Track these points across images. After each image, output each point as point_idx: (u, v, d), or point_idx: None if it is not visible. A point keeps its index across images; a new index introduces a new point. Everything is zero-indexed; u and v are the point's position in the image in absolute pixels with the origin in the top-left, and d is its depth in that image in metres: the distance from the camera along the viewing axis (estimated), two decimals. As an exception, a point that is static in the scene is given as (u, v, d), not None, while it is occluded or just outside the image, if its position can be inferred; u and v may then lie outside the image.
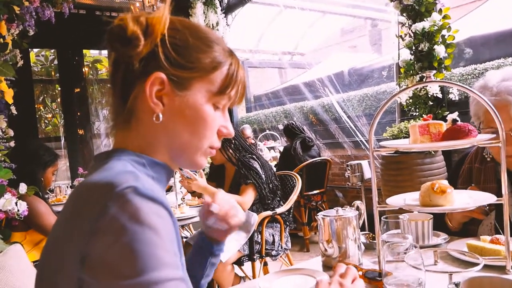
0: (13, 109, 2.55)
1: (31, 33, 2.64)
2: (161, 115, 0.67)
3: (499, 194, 1.08)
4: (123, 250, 0.53)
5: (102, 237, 0.54)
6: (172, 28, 0.67)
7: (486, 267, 1.06)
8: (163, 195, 0.62)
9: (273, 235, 2.74)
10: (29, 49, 5.26)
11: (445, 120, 1.11)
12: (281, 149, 5.29)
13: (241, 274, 2.78)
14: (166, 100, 0.67)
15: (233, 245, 2.50)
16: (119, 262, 0.53)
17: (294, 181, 3.03)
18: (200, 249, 0.97)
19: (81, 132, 5.52)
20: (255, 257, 2.57)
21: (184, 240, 2.76)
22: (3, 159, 2.15)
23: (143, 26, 0.65)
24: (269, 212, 2.64)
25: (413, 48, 3.68)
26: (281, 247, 2.72)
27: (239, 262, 2.58)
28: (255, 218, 2.57)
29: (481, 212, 1.40)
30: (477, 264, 1.03)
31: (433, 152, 3.21)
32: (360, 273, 1.12)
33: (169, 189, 3.46)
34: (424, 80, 1.11)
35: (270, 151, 6.17)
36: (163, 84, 0.66)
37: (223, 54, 0.71)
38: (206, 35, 0.70)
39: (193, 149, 0.71)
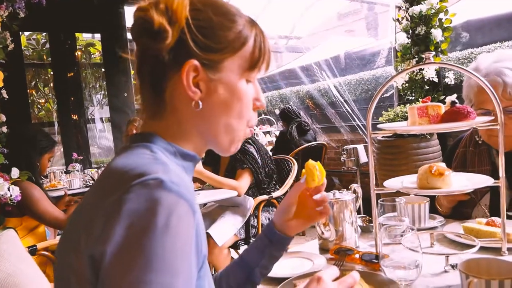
0: (4, 93, 2.51)
1: (22, 15, 2.58)
2: (200, 102, 0.66)
3: (494, 176, 1.09)
4: (131, 242, 0.51)
5: (116, 222, 0.52)
6: (193, 9, 0.65)
7: (482, 249, 1.07)
8: (190, 187, 0.61)
9: (269, 219, 2.74)
10: (20, 32, 5.15)
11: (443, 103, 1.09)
12: (277, 133, 5.29)
13: (237, 258, 2.80)
14: (202, 85, 0.67)
15: (229, 229, 2.50)
16: (124, 254, 0.51)
17: (290, 165, 3.03)
18: (268, 241, 0.91)
19: (74, 117, 5.46)
20: (251, 241, 2.58)
21: None
22: (-5, 143, 2.12)
23: (167, 14, 0.63)
24: (265, 196, 2.64)
25: (410, 31, 3.65)
26: (277, 231, 2.74)
27: (235, 246, 2.59)
28: (251, 202, 2.57)
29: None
30: (473, 246, 1.04)
31: (428, 136, 3.20)
32: (357, 255, 1.12)
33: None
34: (424, 61, 1.09)
35: (266, 136, 6.16)
36: (197, 71, 0.65)
37: (247, 26, 0.69)
38: (227, 9, 0.69)
39: (231, 132, 0.71)
